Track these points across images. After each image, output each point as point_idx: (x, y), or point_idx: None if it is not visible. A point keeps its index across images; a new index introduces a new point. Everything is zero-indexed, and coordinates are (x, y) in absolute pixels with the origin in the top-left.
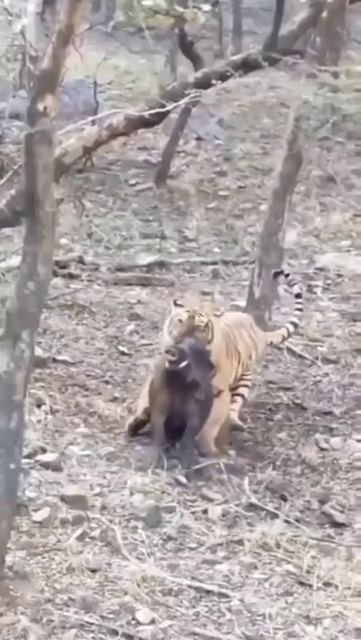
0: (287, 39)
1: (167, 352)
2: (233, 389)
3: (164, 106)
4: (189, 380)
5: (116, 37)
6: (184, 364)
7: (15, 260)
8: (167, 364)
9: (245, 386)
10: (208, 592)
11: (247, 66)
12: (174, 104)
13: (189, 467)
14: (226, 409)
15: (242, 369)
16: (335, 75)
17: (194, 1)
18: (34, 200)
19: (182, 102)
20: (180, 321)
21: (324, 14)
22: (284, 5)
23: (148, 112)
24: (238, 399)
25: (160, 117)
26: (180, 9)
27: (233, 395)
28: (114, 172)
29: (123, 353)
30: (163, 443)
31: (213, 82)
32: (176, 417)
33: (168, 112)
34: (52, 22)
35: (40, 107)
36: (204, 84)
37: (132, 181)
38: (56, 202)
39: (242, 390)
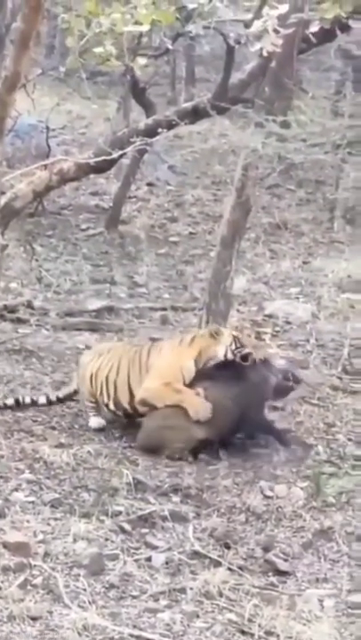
0: (237, 88)
1: None
2: None
3: (111, 153)
4: None
5: (68, 83)
6: None
7: None
8: None
9: None
10: None
11: (197, 114)
12: (121, 151)
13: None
14: None
15: None
16: (285, 124)
17: (145, 49)
18: None
19: (129, 150)
20: None
21: (273, 64)
22: (235, 55)
23: (95, 159)
24: None
25: (110, 163)
26: (117, 62)
27: None
28: (65, 217)
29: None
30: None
31: (160, 130)
32: None
33: (118, 158)
34: None
35: None
36: (153, 131)
37: (83, 226)
38: (1, 247)
39: None
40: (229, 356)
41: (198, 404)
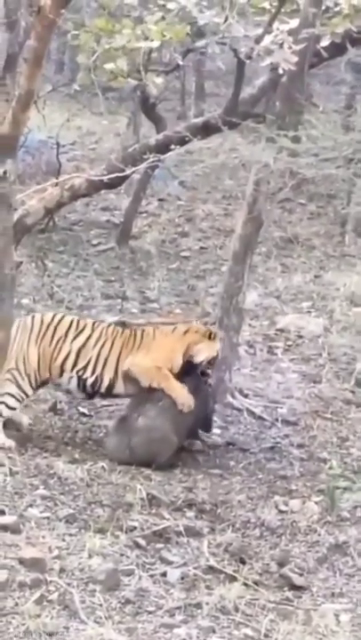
0: (248, 102)
1: None
2: None
3: (123, 169)
4: None
5: (78, 99)
6: None
7: None
8: None
9: None
10: None
11: (208, 129)
12: (133, 168)
13: None
14: None
15: None
16: (296, 139)
17: (155, 64)
18: None
19: (142, 167)
20: None
21: (284, 78)
22: (245, 69)
23: (108, 176)
24: None
25: (121, 179)
26: (132, 80)
27: None
28: (76, 233)
29: (83, 414)
30: None
31: (172, 147)
32: None
33: (129, 174)
34: (12, 87)
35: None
36: (164, 146)
37: (95, 242)
38: (16, 264)
39: None
40: (204, 362)
41: (184, 395)
